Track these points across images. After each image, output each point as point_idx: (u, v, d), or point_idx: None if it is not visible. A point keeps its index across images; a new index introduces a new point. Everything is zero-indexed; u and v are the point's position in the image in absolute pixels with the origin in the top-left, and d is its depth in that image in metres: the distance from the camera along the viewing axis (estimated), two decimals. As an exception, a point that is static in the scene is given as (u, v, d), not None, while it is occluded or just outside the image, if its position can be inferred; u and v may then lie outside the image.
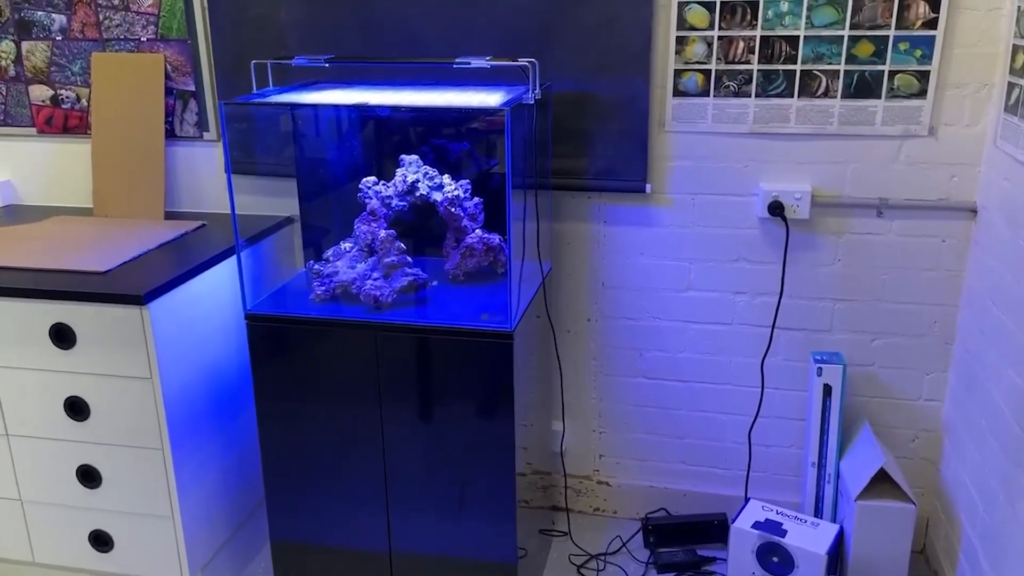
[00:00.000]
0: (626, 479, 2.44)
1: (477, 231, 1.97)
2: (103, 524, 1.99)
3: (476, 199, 2.00)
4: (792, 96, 2.03)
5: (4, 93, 2.40)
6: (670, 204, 2.18)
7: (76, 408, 1.90)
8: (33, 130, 2.42)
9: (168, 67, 2.28)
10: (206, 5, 2.22)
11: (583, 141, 2.14)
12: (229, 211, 2.38)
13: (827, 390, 2.12)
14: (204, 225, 2.26)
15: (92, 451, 1.93)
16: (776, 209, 2.08)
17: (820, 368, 2.11)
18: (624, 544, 2.34)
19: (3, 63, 2.37)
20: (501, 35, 2.08)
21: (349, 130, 2.09)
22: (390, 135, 2.09)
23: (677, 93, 2.09)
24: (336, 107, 1.87)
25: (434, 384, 1.80)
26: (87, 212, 2.39)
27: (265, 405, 1.90)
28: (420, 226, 2.13)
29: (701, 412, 2.33)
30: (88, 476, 1.95)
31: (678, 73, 2.07)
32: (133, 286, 1.80)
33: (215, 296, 2.02)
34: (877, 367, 2.20)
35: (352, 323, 1.80)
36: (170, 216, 2.34)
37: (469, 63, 1.74)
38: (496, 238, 1.99)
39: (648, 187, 2.15)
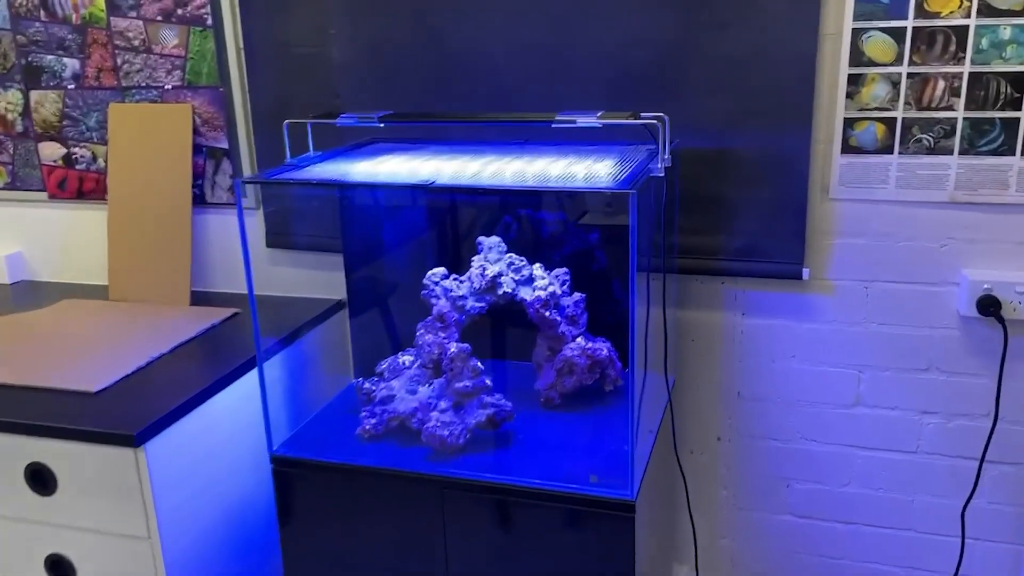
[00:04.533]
0: (765, 639, 1.89)
1: (579, 340, 1.47)
2: None
3: (577, 295, 1.50)
4: (1014, 154, 1.47)
5: (11, 152, 2.03)
6: (834, 293, 1.64)
7: (59, 569, 1.47)
8: (44, 194, 2.04)
9: (197, 120, 1.86)
10: (241, 45, 1.79)
11: (717, 211, 1.62)
12: (270, 292, 1.95)
13: (1059, 553, 1.54)
14: (238, 314, 1.82)
15: (80, 623, 1.49)
16: (988, 306, 1.52)
17: (1049, 523, 1.53)
18: None
19: (9, 116, 2.00)
20: (609, 76, 1.59)
21: (413, 202, 1.63)
22: (466, 208, 1.62)
23: (848, 149, 1.55)
24: (387, 187, 1.38)
25: (520, 564, 1.31)
26: (104, 291, 1.99)
27: (297, 573, 1.43)
28: (502, 318, 1.65)
29: (873, 564, 1.76)
30: (76, 652, 1.52)
31: (849, 123, 1.54)
32: (125, 417, 1.36)
33: (237, 417, 1.57)
34: (1125, 517, 1.61)
35: (409, 476, 1.32)
36: (199, 299, 1.92)
37: (575, 122, 1.24)
38: (605, 347, 1.48)
39: (806, 272, 1.61)
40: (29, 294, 2.01)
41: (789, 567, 1.82)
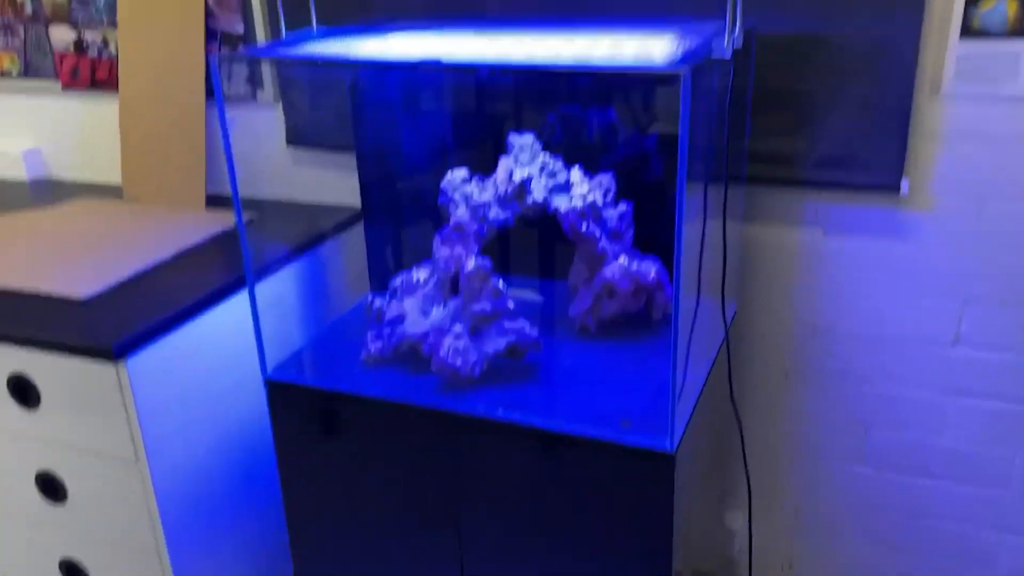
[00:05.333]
0: (829, 598, 1.69)
1: (622, 258, 1.24)
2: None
3: (622, 206, 1.27)
4: None
5: (23, 37, 1.87)
6: (937, 211, 1.37)
7: (49, 487, 1.37)
8: (57, 84, 1.89)
9: (209, 1, 1.66)
10: (254, -91, 1.57)
11: (799, 109, 1.35)
12: (290, 196, 1.77)
13: None
14: (251, 221, 1.66)
15: (74, 544, 1.40)
16: None
17: None
18: None
19: (18, -3, 1.84)
20: (675, -59, 1.31)
21: (434, 93, 1.40)
22: (495, 100, 1.39)
23: (969, 33, 1.26)
24: (384, 64, 1.15)
25: (542, 512, 1.13)
26: (120, 191, 1.85)
27: (297, 509, 1.29)
28: (537, 228, 1.44)
29: (960, 525, 1.53)
30: (73, 574, 1.43)
31: (972, 0, 1.24)
32: (108, 328, 1.22)
33: (239, 332, 1.41)
34: None
35: (414, 409, 1.14)
36: (216, 202, 1.76)
37: (617, -15, 1.00)
38: (653, 269, 1.26)
39: (905, 184, 1.34)
40: (46, 192, 1.88)
41: (862, 524, 1.60)
